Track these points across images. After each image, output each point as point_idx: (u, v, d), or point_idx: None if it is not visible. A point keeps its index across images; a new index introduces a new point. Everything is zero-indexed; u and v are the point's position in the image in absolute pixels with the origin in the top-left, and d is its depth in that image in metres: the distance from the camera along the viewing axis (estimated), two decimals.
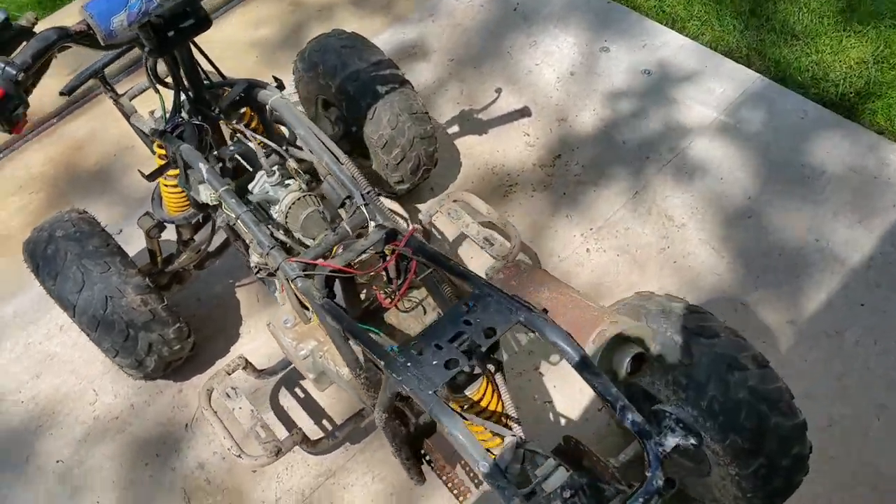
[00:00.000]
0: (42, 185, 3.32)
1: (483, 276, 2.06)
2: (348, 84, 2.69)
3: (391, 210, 2.17)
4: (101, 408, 2.71)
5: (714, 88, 3.31)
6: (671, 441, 1.71)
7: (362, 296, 2.09)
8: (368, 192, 2.06)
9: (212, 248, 2.68)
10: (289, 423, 2.59)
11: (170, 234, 2.61)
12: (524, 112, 3.34)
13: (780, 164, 3.05)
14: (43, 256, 2.41)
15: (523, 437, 1.73)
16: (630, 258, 2.86)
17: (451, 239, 2.94)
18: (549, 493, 1.51)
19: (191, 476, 2.54)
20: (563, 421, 2.52)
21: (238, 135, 2.23)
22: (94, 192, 3.26)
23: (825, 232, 2.85)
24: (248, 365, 2.40)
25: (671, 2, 3.69)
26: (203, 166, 2.08)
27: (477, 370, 1.73)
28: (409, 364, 1.62)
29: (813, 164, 3.04)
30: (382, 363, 1.66)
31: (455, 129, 3.31)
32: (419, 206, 3.03)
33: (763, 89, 3.28)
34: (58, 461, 2.61)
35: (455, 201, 2.57)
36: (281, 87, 2.29)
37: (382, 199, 2.15)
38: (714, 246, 2.86)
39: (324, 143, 2.14)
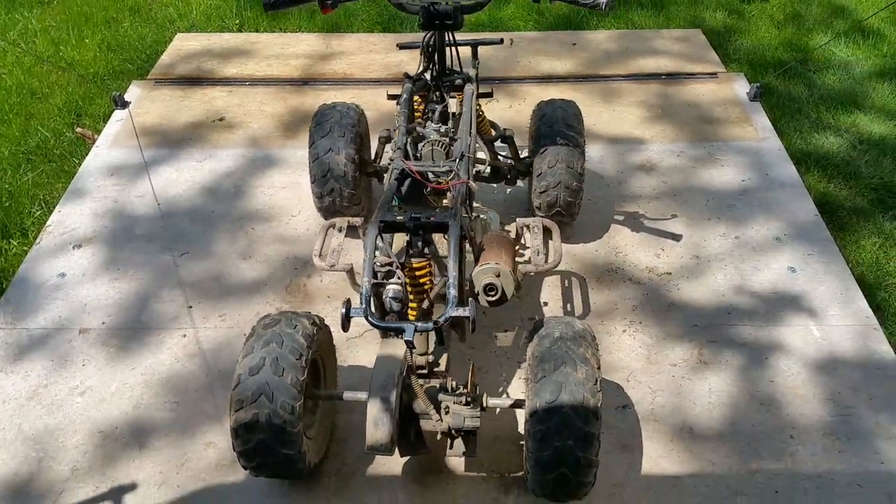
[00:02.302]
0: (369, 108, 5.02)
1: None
2: (543, 125, 3.80)
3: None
4: (301, 219, 4.22)
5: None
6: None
7: None
8: (465, 157, 3.16)
9: None
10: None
11: None
12: (673, 246, 4.06)
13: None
14: (322, 113, 3.96)
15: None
16: (645, 357, 3.48)
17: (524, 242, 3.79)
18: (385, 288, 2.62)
19: (298, 278, 3.93)
20: None
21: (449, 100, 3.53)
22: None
23: None
24: (363, 227, 3.62)
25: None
26: (404, 95, 3.39)
27: (426, 251, 2.77)
28: (388, 211, 2.78)
29: None
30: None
31: (620, 226, 4.17)
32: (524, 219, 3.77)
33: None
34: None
35: (545, 226, 3.49)
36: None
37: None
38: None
39: (470, 125, 3.30)
